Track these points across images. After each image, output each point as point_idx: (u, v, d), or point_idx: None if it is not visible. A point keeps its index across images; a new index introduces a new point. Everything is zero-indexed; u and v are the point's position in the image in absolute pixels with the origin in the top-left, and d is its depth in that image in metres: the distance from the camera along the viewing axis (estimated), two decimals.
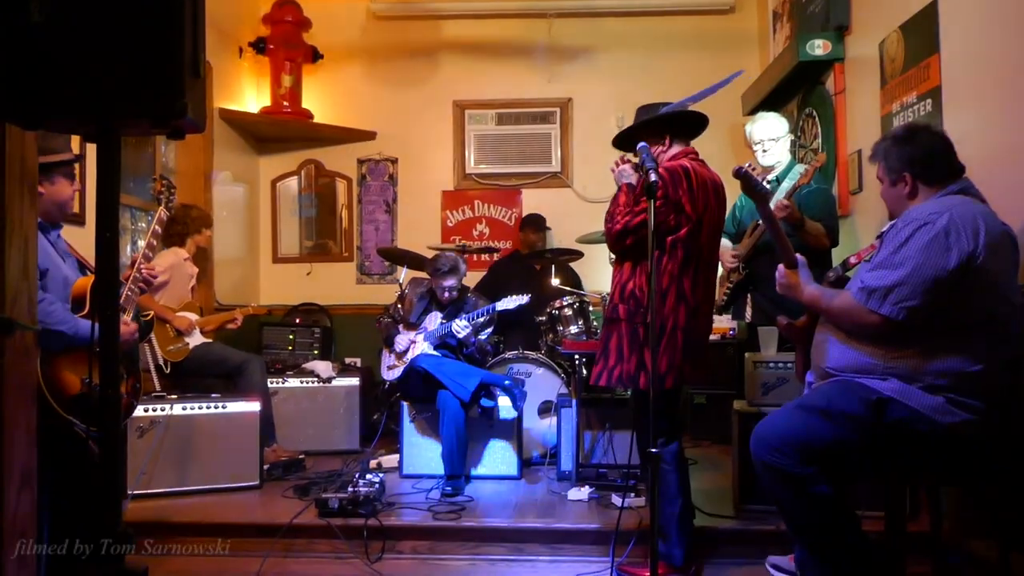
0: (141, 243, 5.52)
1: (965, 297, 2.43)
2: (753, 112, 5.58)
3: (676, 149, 3.42)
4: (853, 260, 3.17)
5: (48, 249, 3.08)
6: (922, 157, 2.67)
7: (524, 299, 4.84)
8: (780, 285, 2.85)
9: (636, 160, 3.62)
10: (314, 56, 6.80)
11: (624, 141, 3.58)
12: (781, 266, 2.84)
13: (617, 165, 3.50)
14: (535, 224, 6.40)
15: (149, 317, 3.54)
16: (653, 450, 2.24)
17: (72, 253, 3.22)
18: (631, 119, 3.60)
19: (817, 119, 5.35)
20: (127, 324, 3.18)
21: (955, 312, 2.45)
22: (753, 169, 2.84)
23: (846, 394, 2.56)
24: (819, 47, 4.95)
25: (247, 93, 6.82)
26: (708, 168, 3.39)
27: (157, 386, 4.72)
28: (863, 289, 2.52)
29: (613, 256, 3.54)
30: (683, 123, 3.47)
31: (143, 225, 5.61)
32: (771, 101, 5.76)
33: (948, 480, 2.88)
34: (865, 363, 2.57)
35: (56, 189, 3.15)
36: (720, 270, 4.13)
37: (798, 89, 5.63)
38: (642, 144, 2.50)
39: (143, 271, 3.28)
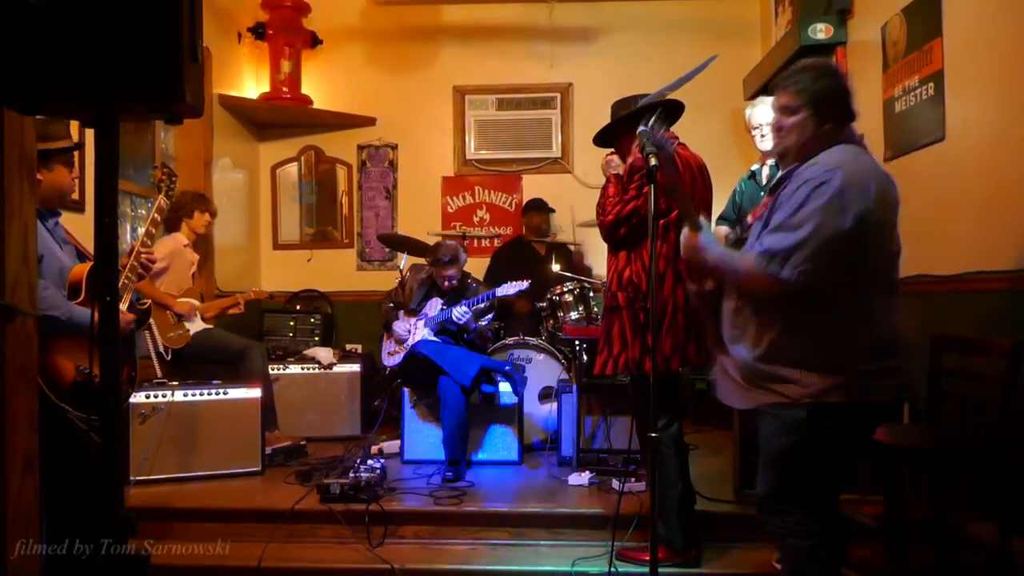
0: (141, 230, 5.54)
1: (862, 254, 2.39)
2: (755, 97, 5.56)
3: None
4: (750, 220, 3.12)
5: (44, 236, 3.04)
6: (831, 93, 2.53)
7: (524, 285, 4.84)
8: (684, 248, 2.66)
9: (617, 157, 3.66)
10: (313, 41, 6.76)
11: (606, 137, 3.62)
12: (685, 229, 2.63)
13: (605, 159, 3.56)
14: (538, 207, 6.38)
15: (146, 305, 3.53)
16: (653, 434, 2.24)
17: (70, 240, 3.21)
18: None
19: None
20: (123, 313, 3.17)
21: (858, 271, 2.41)
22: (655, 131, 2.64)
23: (774, 430, 2.51)
24: (821, 31, 4.93)
25: (246, 79, 6.80)
26: (689, 150, 3.44)
27: (158, 373, 4.73)
28: (764, 253, 2.40)
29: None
30: (662, 111, 3.51)
31: (143, 212, 5.61)
32: (772, 85, 5.73)
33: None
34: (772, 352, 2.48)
35: (54, 176, 3.13)
36: None
37: None
38: (642, 128, 2.49)
39: (142, 257, 3.28)
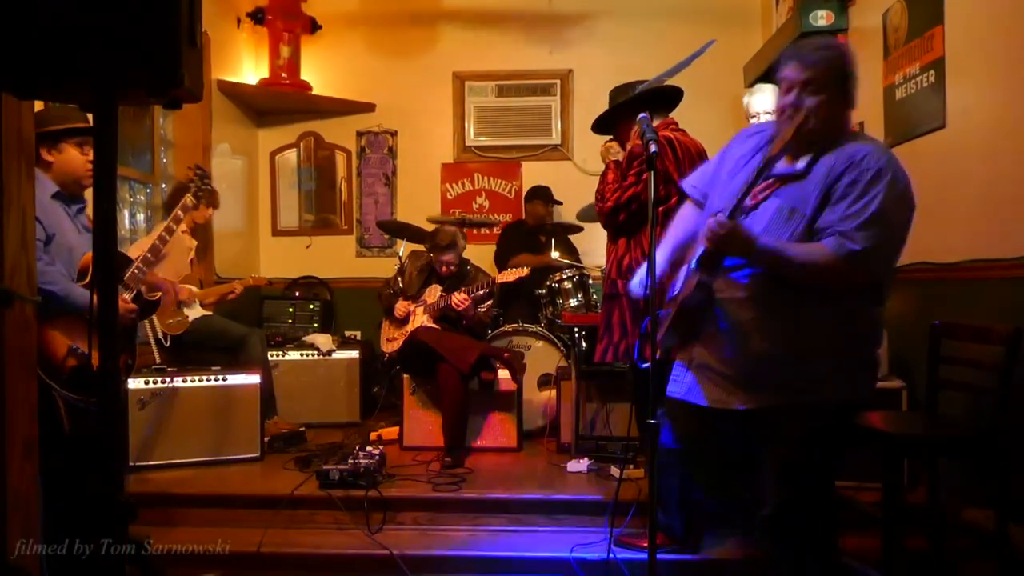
0: (140, 216, 5.54)
1: (902, 248, 2.44)
2: (755, 84, 5.54)
3: (657, 122, 3.43)
4: (750, 202, 2.87)
5: (59, 217, 3.07)
6: (854, 76, 2.44)
7: (524, 272, 4.84)
8: (716, 236, 2.35)
9: (616, 144, 3.65)
10: (312, 27, 6.73)
11: (604, 124, 3.61)
12: (720, 215, 2.36)
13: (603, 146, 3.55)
14: (544, 197, 6.32)
15: (156, 297, 3.53)
16: (652, 420, 2.24)
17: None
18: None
19: None
20: (126, 302, 3.18)
21: (895, 263, 2.47)
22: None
23: (799, 432, 2.44)
24: (822, 18, 4.91)
25: (245, 64, 6.77)
26: (689, 136, 3.44)
27: (157, 359, 4.73)
28: (847, 237, 2.28)
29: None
30: (660, 98, 3.50)
31: (141, 198, 5.60)
32: (773, 73, 5.71)
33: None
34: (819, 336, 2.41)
35: (64, 158, 3.13)
36: None
37: None
38: (643, 115, 2.48)
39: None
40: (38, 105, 3.04)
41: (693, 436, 2.71)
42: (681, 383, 2.67)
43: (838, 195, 2.34)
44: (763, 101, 4.36)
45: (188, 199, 3.75)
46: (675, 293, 2.65)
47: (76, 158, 3.14)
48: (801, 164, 2.41)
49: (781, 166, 2.46)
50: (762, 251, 2.34)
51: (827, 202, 2.35)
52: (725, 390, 2.51)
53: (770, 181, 2.42)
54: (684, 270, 2.62)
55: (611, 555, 3.33)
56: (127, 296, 3.27)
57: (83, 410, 2.84)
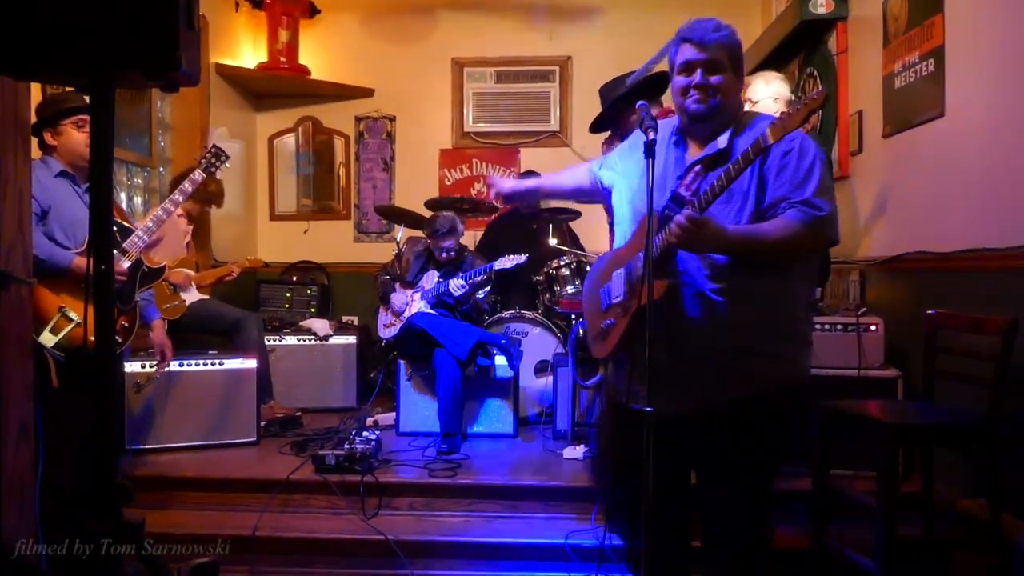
0: (137, 199, 5.53)
1: None
2: (754, 72, 5.53)
3: (655, 111, 3.43)
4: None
5: (62, 192, 3.31)
6: (741, 55, 2.45)
7: (521, 259, 4.83)
8: (688, 233, 2.16)
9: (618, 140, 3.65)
10: (311, 11, 6.69)
11: (603, 122, 3.61)
12: (686, 211, 2.17)
13: None
14: None
15: (160, 265, 3.68)
16: (648, 408, 2.24)
17: None
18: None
19: (819, 79, 5.30)
20: (117, 264, 3.27)
21: None
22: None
23: (761, 425, 2.34)
24: (822, 5, 4.88)
25: (243, 48, 6.75)
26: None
27: None
28: (810, 205, 2.22)
29: None
30: (650, 86, 3.50)
31: (139, 181, 5.58)
32: (772, 60, 5.70)
33: None
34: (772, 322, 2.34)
35: (65, 139, 3.34)
36: None
37: (800, 49, 5.57)
38: (641, 103, 2.44)
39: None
40: (37, 96, 3.16)
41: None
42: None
43: (777, 168, 2.28)
44: (765, 88, 4.33)
45: (197, 172, 3.78)
46: (613, 301, 2.48)
47: (75, 136, 3.31)
48: (722, 142, 2.33)
49: (700, 151, 2.37)
50: (735, 238, 2.23)
51: (763, 180, 2.29)
52: (679, 392, 2.33)
53: (697, 169, 2.31)
54: (619, 274, 2.46)
55: (606, 542, 3.33)
56: (124, 263, 3.39)
57: (71, 368, 3.04)
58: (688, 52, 2.37)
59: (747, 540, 2.40)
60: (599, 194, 2.79)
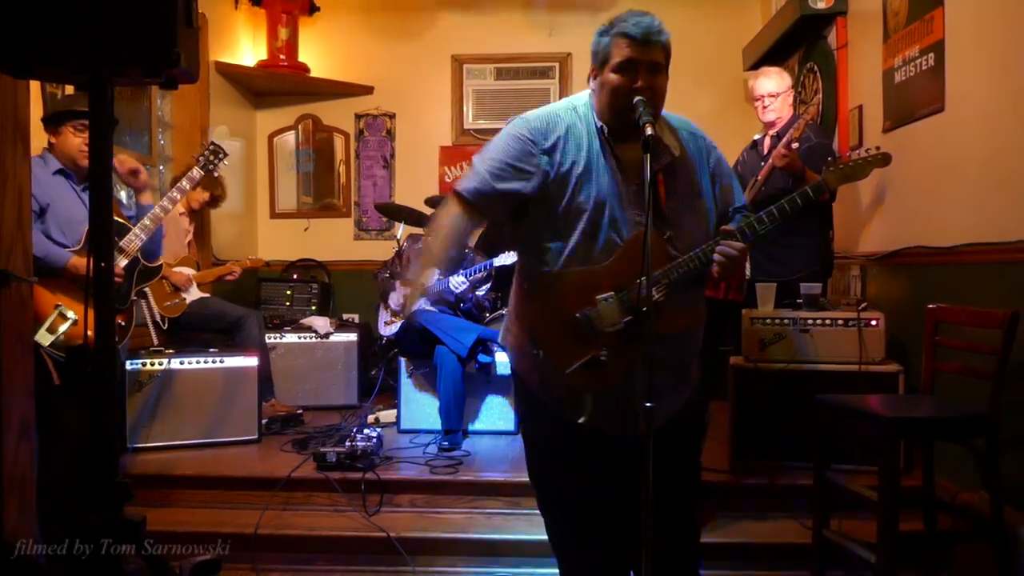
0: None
1: None
2: (755, 67, 5.53)
3: None
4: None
5: (61, 190, 3.35)
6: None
7: None
8: (732, 261, 2.12)
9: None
10: (311, 8, 6.69)
11: None
12: (727, 245, 2.12)
13: None
14: None
15: (156, 264, 3.70)
16: (648, 404, 2.23)
17: None
18: None
19: (818, 74, 5.30)
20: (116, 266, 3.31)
21: None
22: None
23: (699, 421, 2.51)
24: (821, 0, 4.88)
25: (243, 46, 6.74)
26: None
27: (155, 341, 4.72)
28: (753, 213, 2.26)
29: None
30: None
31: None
32: (773, 55, 5.69)
33: None
34: None
35: (62, 140, 3.38)
36: None
37: (800, 43, 5.57)
38: (638, 98, 2.41)
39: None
40: (36, 95, 3.21)
41: None
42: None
43: (718, 172, 2.30)
44: (766, 84, 4.33)
45: (196, 170, 3.80)
46: (607, 330, 2.19)
47: (72, 140, 3.36)
48: (675, 149, 2.24)
49: (634, 154, 2.17)
50: (746, 252, 2.19)
51: (712, 182, 2.30)
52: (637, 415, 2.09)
53: (659, 177, 2.17)
54: (608, 298, 2.18)
55: None
56: (122, 261, 3.42)
57: (71, 365, 3.06)
58: (628, 50, 2.28)
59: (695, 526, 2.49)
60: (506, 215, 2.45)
